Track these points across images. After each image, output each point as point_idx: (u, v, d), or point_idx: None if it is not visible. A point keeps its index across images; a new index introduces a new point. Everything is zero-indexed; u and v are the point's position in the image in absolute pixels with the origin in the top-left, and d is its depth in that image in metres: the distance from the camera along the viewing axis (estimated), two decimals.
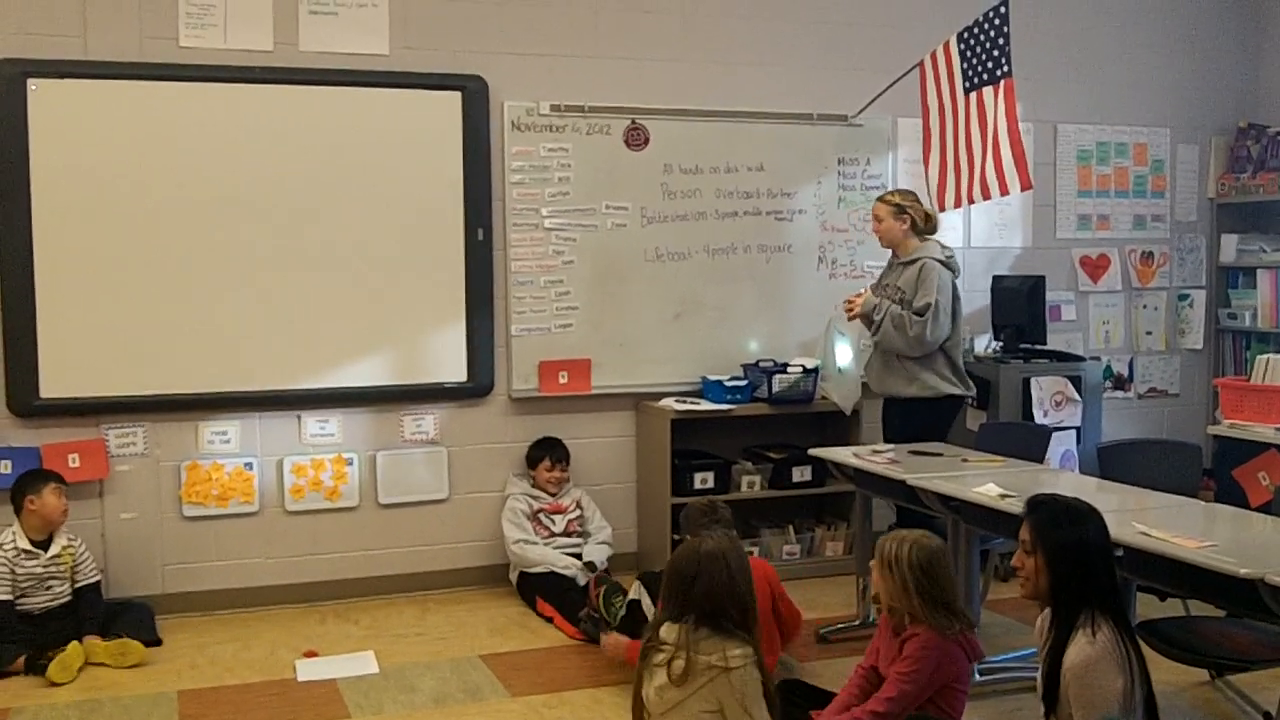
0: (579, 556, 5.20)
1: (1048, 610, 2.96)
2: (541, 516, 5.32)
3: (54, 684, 4.19)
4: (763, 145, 5.78)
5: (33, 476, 4.60)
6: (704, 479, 5.48)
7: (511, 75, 5.38)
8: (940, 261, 5.05)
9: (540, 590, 5.06)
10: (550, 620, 4.94)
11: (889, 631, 3.34)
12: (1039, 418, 5.59)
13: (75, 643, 4.34)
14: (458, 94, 5.30)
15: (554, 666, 4.45)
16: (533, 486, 5.39)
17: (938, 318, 4.96)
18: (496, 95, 5.36)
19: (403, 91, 5.23)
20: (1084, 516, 2.90)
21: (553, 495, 5.37)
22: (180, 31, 4.95)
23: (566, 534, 5.33)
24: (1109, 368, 6.52)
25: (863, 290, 5.28)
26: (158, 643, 4.60)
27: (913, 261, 5.09)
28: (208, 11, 4.97)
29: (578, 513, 5.40)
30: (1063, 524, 2.88)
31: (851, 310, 5.23)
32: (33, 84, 4.75)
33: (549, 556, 5.17)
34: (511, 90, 5.39)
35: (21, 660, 4.30)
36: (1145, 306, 6.69)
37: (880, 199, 5.26)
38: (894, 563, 3.25)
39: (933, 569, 3.22)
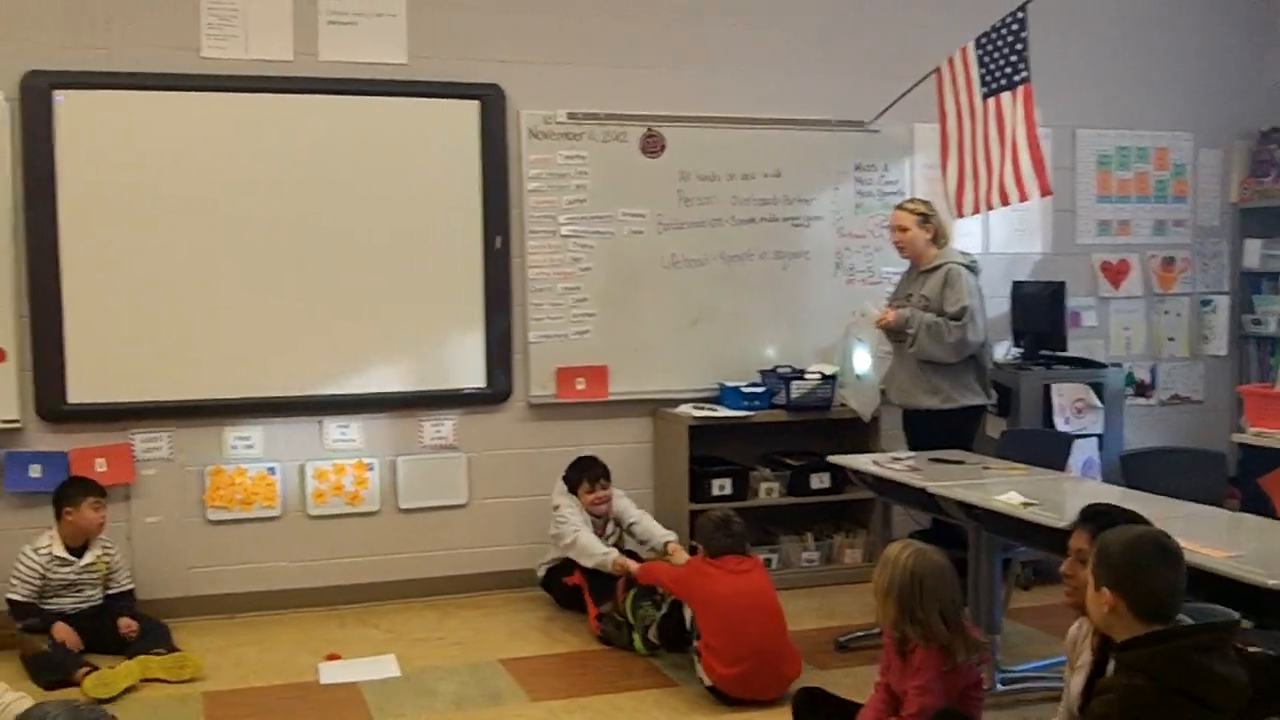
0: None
1: (1083, 620, 2.94)
2: None
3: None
4: (779, 152, 5.78)
5: (74, 488, 4.64)
6: (722, 485, 5.48)
7: (528, 84, 5.41)
8: (965, 265, 5.02)
9: (575, 565, 4.96)
10: (579, 590, 4.92)
11: (893, 647, 3.33)
12: (1060, 425, 5.55)
13: (128, 664, 4.25)
14: (475, 103, 5.33)
15: (573, 672, 4.46)
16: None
17: (975, 320, 4.92)
18: (514, 104, 5.39)
19: (421, 100, 5.27)
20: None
21: (599, 518, 5.11)
22: (202, 42, 5.01)
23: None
24: (1130, 374, 6.45)
25: (885, 308, 5.16)
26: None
27: (935, 268, 5.04)
28: (229, 22, 5.03)
29: (615, 531, 5.16)
30: None
31: (886, 323, 5.08)
32: (59, 95, 4.82)
33: (611, 553, 4.88)
34: (528, 99, 5.42)
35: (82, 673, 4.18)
36: (1167, 312, 6.64)
37: (902, 207, 5.15)
38: (887, 562, 3.24)
39: (925, 581, 3.17)
